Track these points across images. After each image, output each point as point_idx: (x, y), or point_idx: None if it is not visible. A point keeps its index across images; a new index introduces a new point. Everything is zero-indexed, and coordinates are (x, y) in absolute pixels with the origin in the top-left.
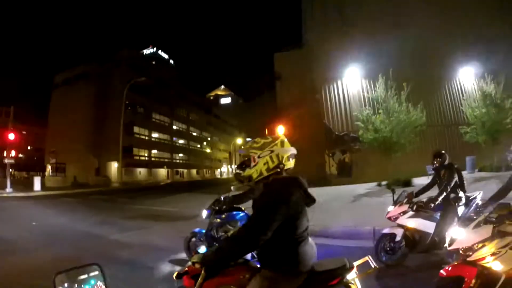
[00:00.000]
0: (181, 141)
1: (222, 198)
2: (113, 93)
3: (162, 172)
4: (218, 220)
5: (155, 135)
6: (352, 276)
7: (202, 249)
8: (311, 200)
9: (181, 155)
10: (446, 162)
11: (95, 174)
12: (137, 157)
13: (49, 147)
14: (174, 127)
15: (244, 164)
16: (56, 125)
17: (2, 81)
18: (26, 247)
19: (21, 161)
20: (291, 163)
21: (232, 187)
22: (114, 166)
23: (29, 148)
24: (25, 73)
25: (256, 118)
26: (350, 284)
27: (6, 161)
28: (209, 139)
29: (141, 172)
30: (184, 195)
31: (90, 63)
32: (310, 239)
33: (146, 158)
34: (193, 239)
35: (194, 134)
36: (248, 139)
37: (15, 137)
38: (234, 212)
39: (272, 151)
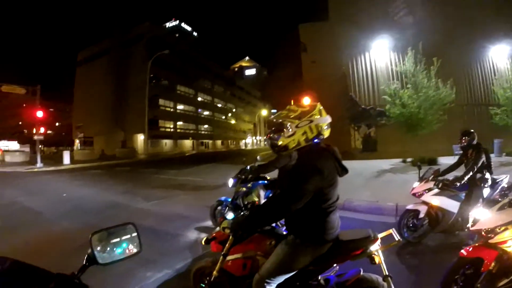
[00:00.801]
0: (206, 113)
1: (248, 168)
2: (136, 67)
3: (188, 143)
4: (244, 189)
5: (180, 107)
6: (375, 247)
7: (230, 215)
8: (343, 169)
9: (206, 126)
10: (474, 141)
11: (122, 146)
12: (163, 129)
13: (76, 122)
14: (199, 98)
15: (274, 132)
16: (82, 101)
17: (29, 61)
18: (56, 216)
19: (50, 137)
20: (327, 132)
21: (257, 157)
22: (140, 138)
23: (57, 124)
24: (51, 52)
25: (280, 89)
26: (373, 255)
27: (35, 137)
28: (233, 110)
29: (167, 143)
30: (209, 165)
31: (113, 38)
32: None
33: (172, 130)
34: (219, 207)
35: (219, 105)
36: (273, 111)
37: (43, 115)
38: (260, 182)
39: (311, 121)
